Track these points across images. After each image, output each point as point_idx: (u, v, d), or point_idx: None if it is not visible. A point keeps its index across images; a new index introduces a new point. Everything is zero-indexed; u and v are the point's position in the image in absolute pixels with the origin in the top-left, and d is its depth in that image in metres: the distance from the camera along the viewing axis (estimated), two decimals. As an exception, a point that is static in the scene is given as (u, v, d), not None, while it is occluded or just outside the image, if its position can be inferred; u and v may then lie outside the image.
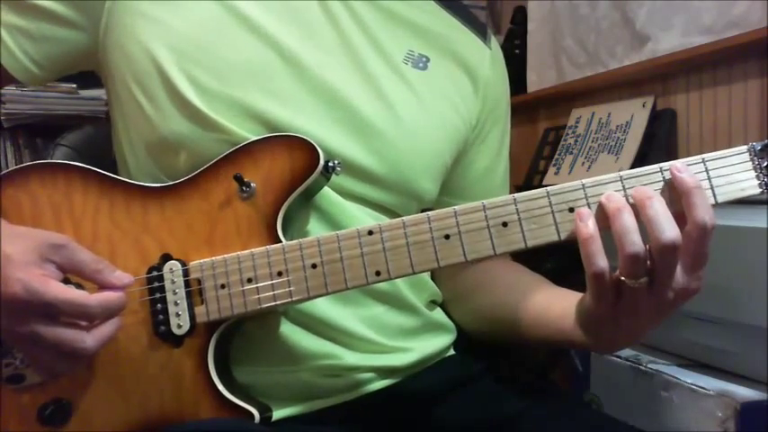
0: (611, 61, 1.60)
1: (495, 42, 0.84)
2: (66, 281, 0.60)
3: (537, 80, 1.90)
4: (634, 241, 0.54)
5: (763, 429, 0.82)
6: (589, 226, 0.55)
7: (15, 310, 0.56)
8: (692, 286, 0.56)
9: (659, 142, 1.44)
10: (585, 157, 1.60)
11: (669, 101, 1.49)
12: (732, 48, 1.26)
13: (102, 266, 0.60)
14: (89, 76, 0.81)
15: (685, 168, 0.56)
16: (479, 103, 0.79)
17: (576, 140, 1.66)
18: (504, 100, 0.85)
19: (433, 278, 0.81)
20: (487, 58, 0.81)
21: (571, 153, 1.66)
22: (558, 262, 0.92)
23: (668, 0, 1.42)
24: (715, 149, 0.58)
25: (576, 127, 1.69)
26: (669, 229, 0.53)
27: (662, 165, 0.57)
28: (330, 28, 0.72)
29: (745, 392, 0.84)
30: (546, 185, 0.60)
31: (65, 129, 0.96)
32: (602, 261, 0.55)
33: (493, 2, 2.17)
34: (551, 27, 1.82)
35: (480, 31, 0.82)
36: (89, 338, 0.57)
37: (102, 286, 0.60)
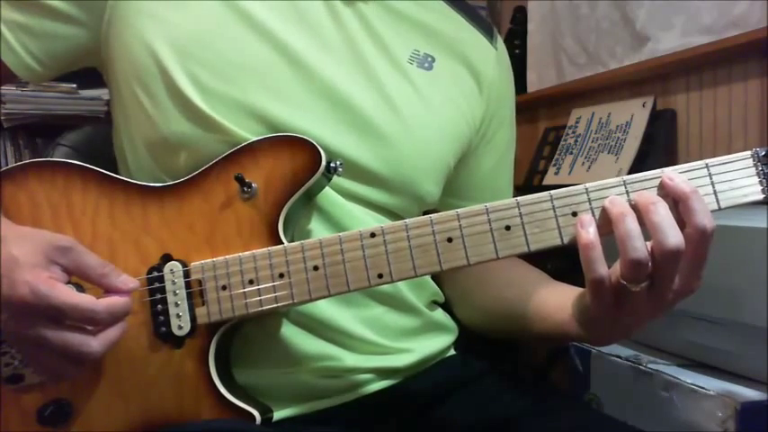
0: (611, 61, 1.60)
1: (501, 42, 0.84)
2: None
3: (537, 80, 1.90)
4: (637, 247, 0.54)
5: (763, 429, 0.82)
6: (590, 233, 0.55)
7: (22, 313, 0.56)
8: (691, 286, 0.57)
9: (659, 142, 1.44)
10: (585, 157, 1.60)
11: (669, 101, 1.49)
12: (732, 48, 1.26)
13: (107, 270, 0.60)
14: (89, 75, 0.81)
15: (676, 175, 0.56)
16: (484, 104, 0.79)
17: (576, 140, 1.66)
18: (509, 101, 0.84)
19: (434, 278, 0.81)
20: (493, 58, 0.81)
21: (571, 153, 1.66)
22: (559, 262, 0.92)
23: (668, 0, 1.42)
24: (715, 149, 0.58)
25: (576, 127, 1.69)
26: (673, 235, 0.53)
27: (665, 169, 0.57)
28: (334, 27, 0.72)
29: (745, 392, 0.84)
30: (546, 185, 0.60)
31: (65, 129, 0.95)
32: (601, 268, 0.55)
33: (493, 2, 2.17)
34: (551, 27, 1.82)
35: (487, 30, 0.82)
36: (95, 342, 0.57)
37: (108, 290, 0.60)
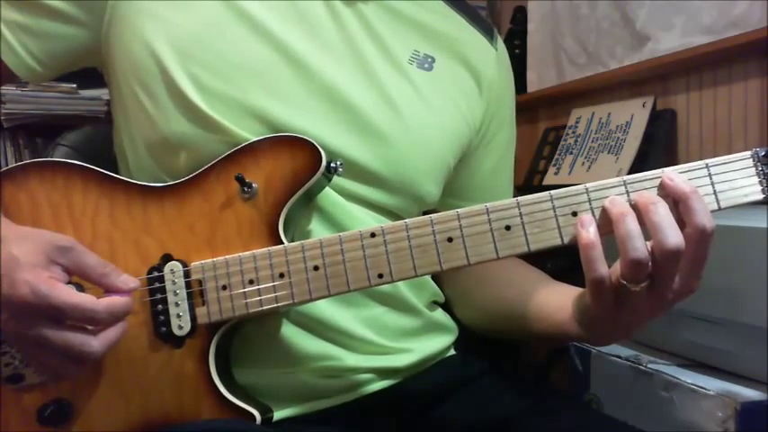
0: (611, 61, 1.60)
1: (501, 43, 0.84)
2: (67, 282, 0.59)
3: (537, 80, 1.90)
4: (637, 247, 0.54)
5: (763, 429, 0.82)
6: (590, 232, 0.56)
7: (22, 313, 0.56)
8: (691, 286, 0.57)
9: (659, 142, 1.44)
10: (585, 157, 1.60)
11: (669, 101, 1.49)
12: (732, 48, 1.26)
13: (108, 270, 0.60)
14: (89, 75, 0.81)
15: (676, 175, 0.56)
16: (484, 104, 0.79)
17: (576, 140, 1.66)
18: (509, 101, 0.85)
19: (434, 278, 0.81)
20: (493, 58, 0.81)
21: (571, 153, 1.66)
22: (559, 262, 0.92)
23: (668, 0, 1.42)
24: (715, 149, 0.58)
25: (576, 127, 1.69)
26: (673, 235, 0.54)
27: (665, 169, 0.57)
28: (335, 28, 0.72)
29: (745, 392, 0.84)
30: (546, 185, 0.60)
31: (65, 129, 0.95)
32: (602, 267, 0.55)
33: (493, 2, 2.17)
34: (551, 27, 1.82)
35: (487, 31, 0.82)
36: (96, 342, 0.57)
37: (108, 290, 0.60)
